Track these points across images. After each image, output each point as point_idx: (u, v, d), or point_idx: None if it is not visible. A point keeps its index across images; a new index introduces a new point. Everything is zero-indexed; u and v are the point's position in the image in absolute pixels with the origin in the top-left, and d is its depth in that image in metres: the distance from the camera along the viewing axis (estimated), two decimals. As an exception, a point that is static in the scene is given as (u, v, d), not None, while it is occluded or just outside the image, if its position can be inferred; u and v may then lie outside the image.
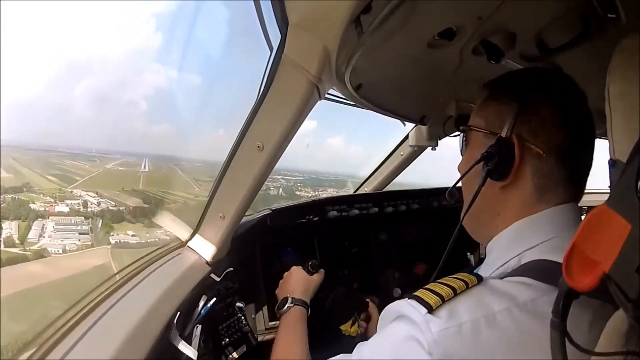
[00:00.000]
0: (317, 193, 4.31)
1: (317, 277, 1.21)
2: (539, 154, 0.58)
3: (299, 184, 4.41)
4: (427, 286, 0.50)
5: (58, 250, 1.66)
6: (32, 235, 1.63)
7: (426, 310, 0.46)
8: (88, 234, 1.79)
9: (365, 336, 1.35)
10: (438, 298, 0.47)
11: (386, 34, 0.69)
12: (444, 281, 0.50)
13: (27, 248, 1.58)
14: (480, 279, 0.50)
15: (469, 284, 0.49)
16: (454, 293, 0.47)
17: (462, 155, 0.72)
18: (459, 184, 0.70)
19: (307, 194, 4.32)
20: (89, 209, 1.92)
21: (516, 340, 0.45)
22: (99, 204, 1.98)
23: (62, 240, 1.70)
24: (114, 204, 2.00)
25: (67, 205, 1.86)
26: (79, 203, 1.91)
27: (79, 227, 1.80)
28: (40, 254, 1.60)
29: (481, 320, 0.45)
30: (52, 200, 1.87)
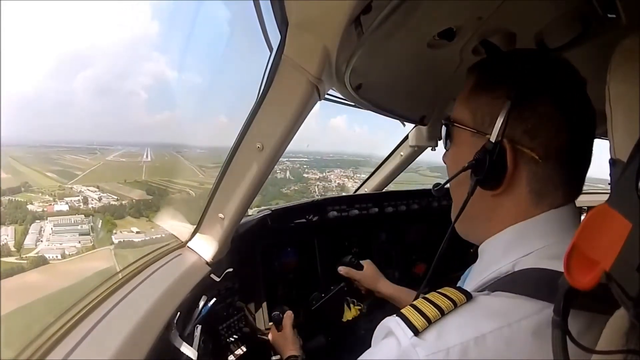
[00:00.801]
0: (324, 174, 4.30)
1: (287, 325, 1.21)
2: (534, 159, 0.52)
3: (305, 166, 4.39)
4: (414, 302, 0.48)
5: (57, 256, 1.58)
6: (29, 240, 1.56)
7: (412, 334, 0.44)
8: (89, 234, 1.69)
9: (368, 304, 1.36)
10: (424, 320, 0.45)
11: (386, 34, 0.69)
12: (431, 298, 0.48)
13: (24, 256, 1.50)
14: (469, 297, 0.47)
15: (457, 303, 0.46)
16: (441, 314, 0.45)
17: (445, 149, 0.65)
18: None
19: (314, 176, 4.29)
20: (90, 206, 1.82)
21: None
22: (100, 199, 1.88)
23: (61, 244, 1.61)
24: (116, 197, 1.90)
25: (67, 203, 1.76)
26: (79, 200, 1.81)
27: (79, 227, 1.70)
28: (38, 262, 1.51)
29: (470, 343, 0.43)
30: (51, 198, 1.77)
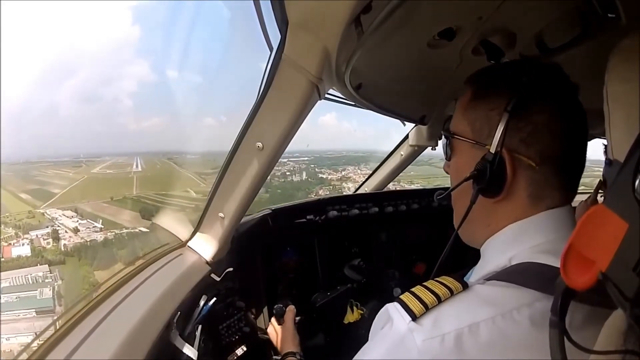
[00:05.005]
0: (342, 173, 4.16)
1: (289, 320, 1.19)
2: (531, 166, 0.54)
3: (312, 165, 4.28)
4: (413, 289, 0.50)
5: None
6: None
7: (410, 319, 0.46)
8: (52, 309, 1.03)
9: (370, 309, 1.37)
10: (422, 306, 0.46)
11: (386, 34, 0.69)
12: (429, 286, 0.49)
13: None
14: (465, 286, 0.49)
15: (453, 291, 0.48)
16: (438, 301, 0.47)
17: (446, 159, 0.67)
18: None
19: (332, 176, 4.14)
20: (62, 243, 1.27)
21: (499, 351, 0.44)
22: (76, 230, 1.36)
23: (7, 339, 0.99)
24: (99, 227, 1.38)
25: (31, 241, 1.23)
26: (47, 234, 1.27)
27: (37, 295, 1.04)
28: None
29: (464, 330, 0.44)
30: (14, 232, 1.28)
